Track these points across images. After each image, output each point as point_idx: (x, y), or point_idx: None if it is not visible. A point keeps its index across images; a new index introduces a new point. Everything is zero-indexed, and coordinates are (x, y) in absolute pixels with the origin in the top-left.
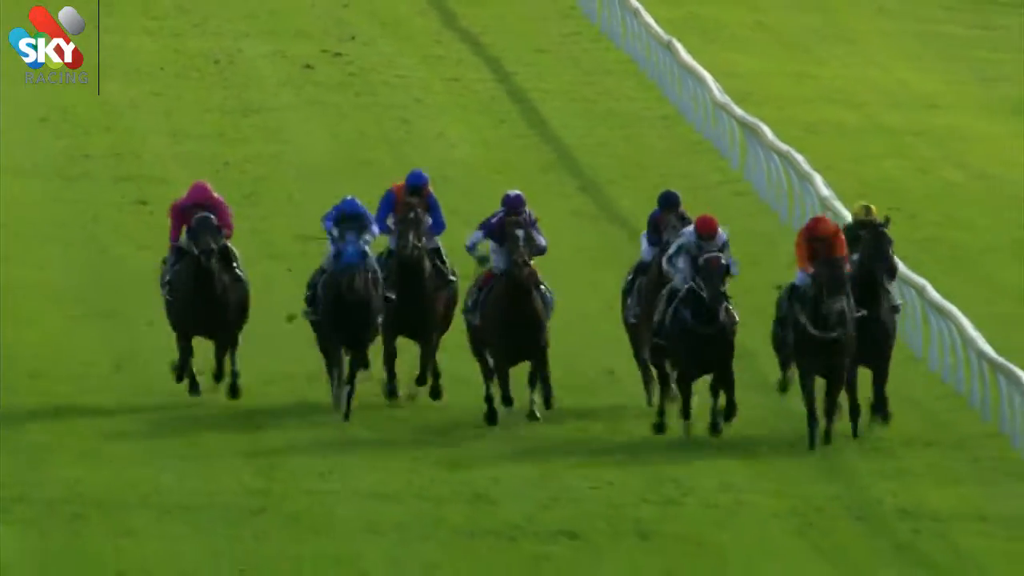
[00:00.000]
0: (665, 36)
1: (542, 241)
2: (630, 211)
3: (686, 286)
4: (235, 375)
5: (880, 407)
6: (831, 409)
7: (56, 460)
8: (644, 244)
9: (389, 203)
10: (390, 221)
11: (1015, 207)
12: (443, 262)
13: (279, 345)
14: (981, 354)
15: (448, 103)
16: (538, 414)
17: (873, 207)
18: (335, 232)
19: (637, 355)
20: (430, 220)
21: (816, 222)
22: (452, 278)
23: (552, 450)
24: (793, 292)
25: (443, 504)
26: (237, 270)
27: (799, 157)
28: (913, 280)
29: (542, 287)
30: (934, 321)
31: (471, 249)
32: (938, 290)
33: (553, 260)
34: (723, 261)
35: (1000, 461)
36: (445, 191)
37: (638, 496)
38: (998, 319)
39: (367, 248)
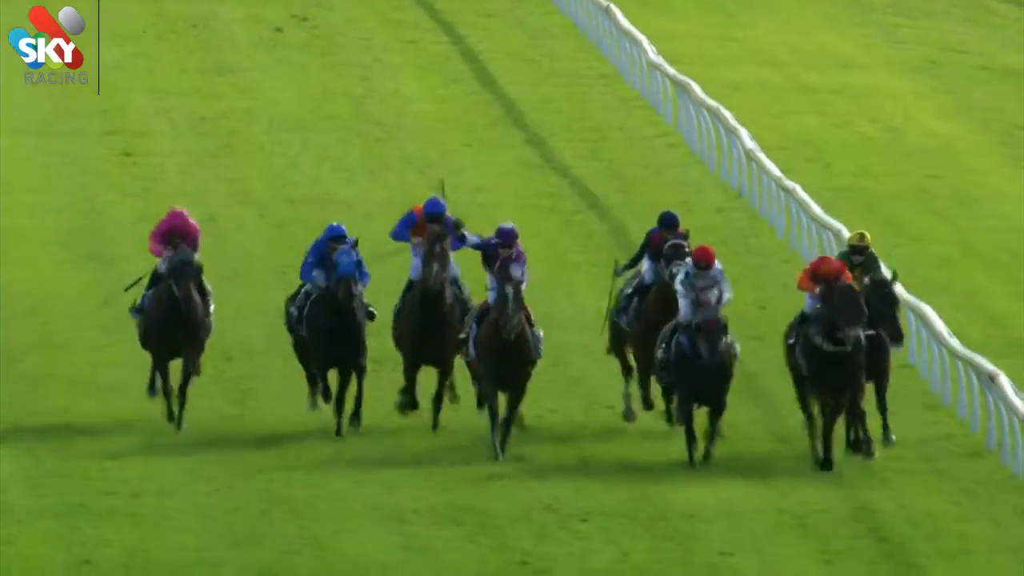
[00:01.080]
0: (604, 2)
1: (520, 273)
2: (572, 161)
3: (686, 322)
4: (182, 404)
5: (883, 421)
6: (856, 417)
7: (48, 390)
8: (646, 264)
9: (409, 222)
10: (415, 241)
11: (919, 157)
12: (461, 289)
13: (247, 281)
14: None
15: (405, 63)
16: (500, 456)
17: (867, 235)
18: (318, 273)
19: (615, 349)
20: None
21: (821, 262)
22: (470, 306)
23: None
24: (803, 320)
25: (402, 431)
26: (207, 298)
27: (726, 113)
28: (831, 224)
29: (533, 328)
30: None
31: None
32: None
33: (501, 206)
34: (722, 323)
35: (908, 390)
36: (402, 141)
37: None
38: (904, 260)
39: (360, 258)
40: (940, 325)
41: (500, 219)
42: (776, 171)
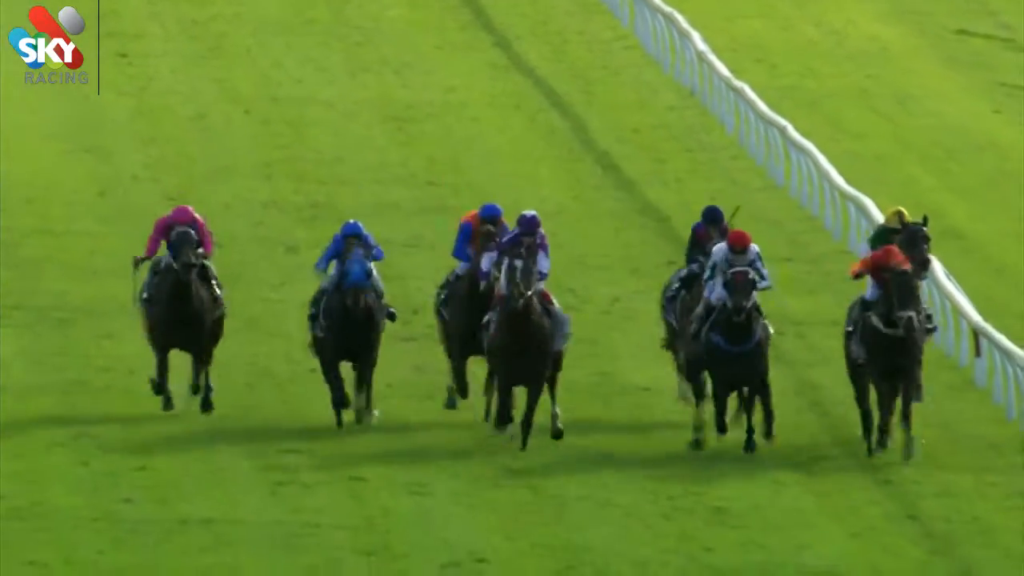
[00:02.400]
0: None
1: (544, 266)
2: (536, 63)
3: (719, 304)
4: (208, 389)
5: (906, 414)
6: (906, 414)
7: (48, 273)
8: (684, 270)
9: (466, 235)
10: (469, 251)
11: (859, 59)
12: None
13: (234, 174)
14: (834, 185)
15: None
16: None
17: (905, 211)
18: (335, 268)
19: (671, 346)
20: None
21: (887, 255)
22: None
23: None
24: (863, 306)
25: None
26: (216, 288)
27: (679, 17)
28: (776, 121)
29: (552, 308)
30: (794, 156)
31: (486, 276)
32: (797, 130)
33: (470, 104)
34: (750, 276)
35: (838, 271)
36: (379, 44)
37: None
38: (844, 155)
39: (371, 266)
40: (878, 215)
41: (470, 116)
42: (725, 72)
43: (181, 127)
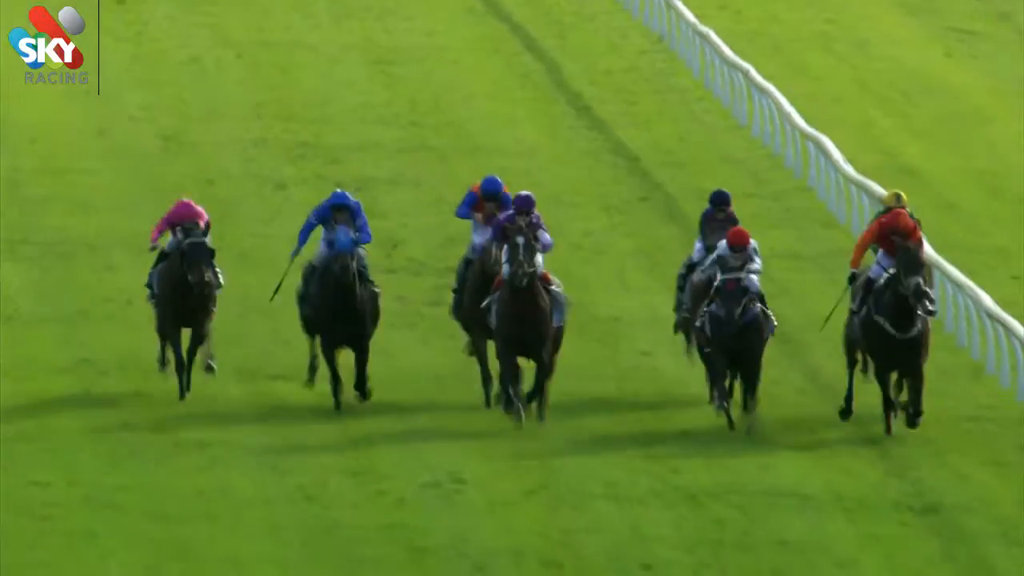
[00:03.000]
0: None
1: (547, 239)
2: (512, 8)
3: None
4: (210, 358)
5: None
6: (916, 405)
7: (52, 209)
8: (697, 244)
9: (471, 201)
10: (477, 218)
11: (820, 3)
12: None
13: (225, 116)
14: (795, 125)
15: None
16: (526, 416)
17: (903, 195)
18: (323, 241)
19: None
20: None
21: (896, 217)
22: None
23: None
24: (868, 286)
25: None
26: (217, 274)
27: None
28: (740, 64)
29: (553, 287)
30: (757, 97)
31: (477, 251)
32: (760, 73)
33: (450, 48)
34: (742, 284)
35: (808, 210)
36: None
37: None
38: (804, 97)
39: (357, 237)
40: (836, 154)
41: (450, 59)
42: (692, 18)
43: (176, 70)
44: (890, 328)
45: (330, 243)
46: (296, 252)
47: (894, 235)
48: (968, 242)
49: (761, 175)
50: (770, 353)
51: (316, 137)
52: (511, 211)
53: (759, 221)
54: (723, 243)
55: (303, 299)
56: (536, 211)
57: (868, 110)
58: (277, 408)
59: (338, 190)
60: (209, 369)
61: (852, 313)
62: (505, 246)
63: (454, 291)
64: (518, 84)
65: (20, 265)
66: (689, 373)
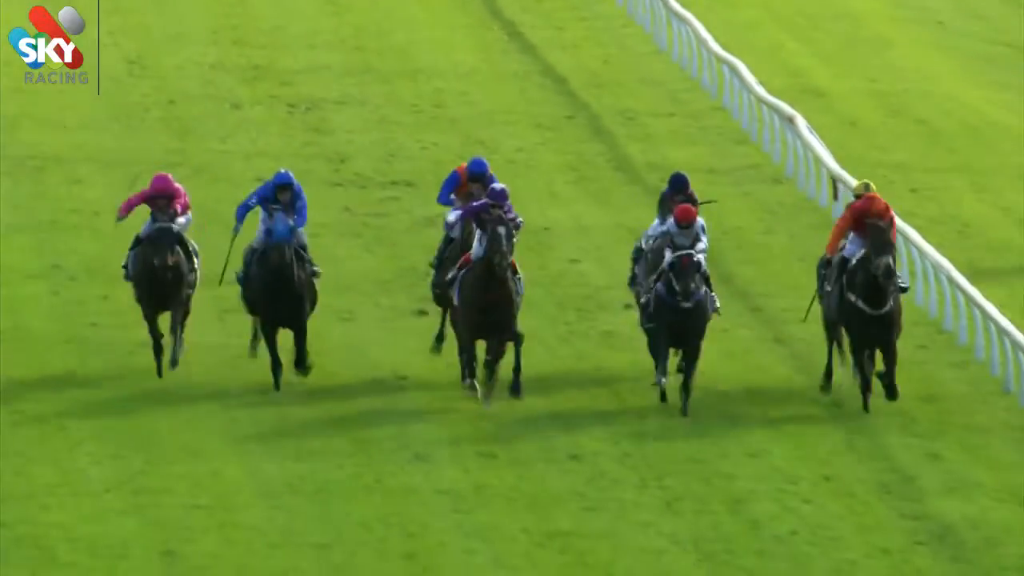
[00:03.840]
0: None
1: (519, 219)
2: None
3: (668, 272)
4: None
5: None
6: (890, 381)
7: (23, 126)
8: (655, 222)
9: (453, 182)
10: (452, 197)
11: None
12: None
13: (187, 41)
14: (711, 50)
15: None
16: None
17: (872, 184)
18: (262, 222)
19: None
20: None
21: (870, 202)
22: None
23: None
24: (843, 265)
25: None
26: (192, 257)
27: None
28: None
29: (518, 275)
30: (676, 24)
31: (451, 228)
32: (678, 1)
33: (429, 24)
34: (695, 258)
35: (722, 128)
36: None
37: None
38: (719, 23)
39: (294, 223)
40: (749, 76)
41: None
42: None
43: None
44: (863, 305)
45: (269, 231)
46: (236, 230)
47: (866, 218)
48: (870, 157)
49: (679, 96)
50: None
51: (269, 61)
52: (485, 200)
53: (678, 139)
54: (670, 220)
55: (243, 281)
56: (509, 202)
57: (777, 35)
58: (235, 312)
59: (282, 170)
60: (174, 364)
61: (827, 293)
62: (479, 232)
63: (432, 266)
64: (456, 11)
65: None
66: (613, 279)
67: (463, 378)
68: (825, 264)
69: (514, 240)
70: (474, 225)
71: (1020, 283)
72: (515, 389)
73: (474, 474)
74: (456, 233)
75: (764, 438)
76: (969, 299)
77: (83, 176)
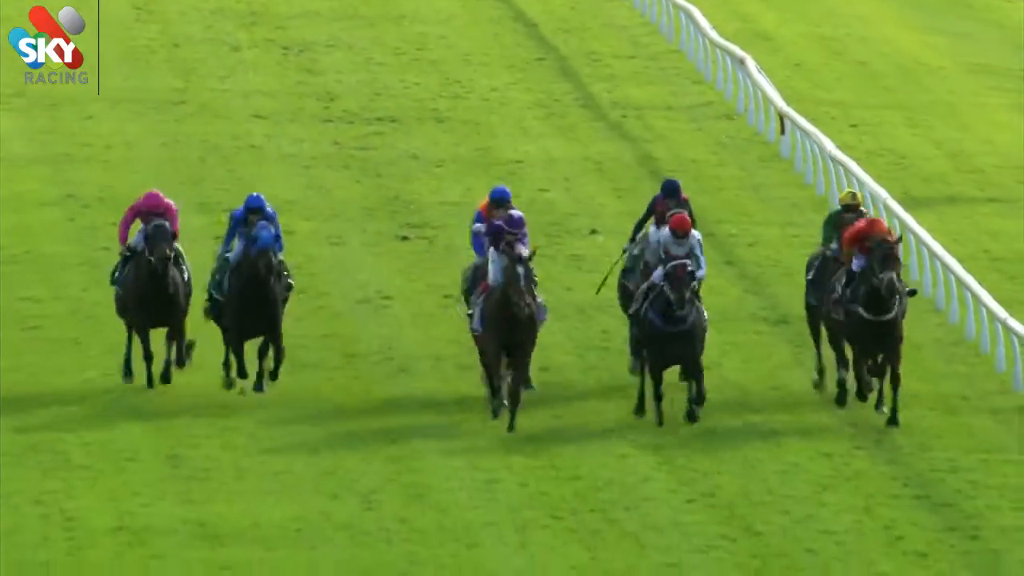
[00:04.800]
0: None
1: (527, 251)
2: None
3: (658, 285)
4: (183, 353)
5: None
6: (895, 384)
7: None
8: (652, 228)
9: (478, 221)
10: (474, 240)
11: None
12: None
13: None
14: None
15: None
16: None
17: (858, 194)
18: (238, 244)
19: (624, 308)
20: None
21: (871, 224)
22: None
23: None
24: (848, 277)
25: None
26: (184, 269)
27: None
28: None
29: (538, 299)
30: None
31: (478, 250)
32: None
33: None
34: (689, 268)
35: (679, 69)
36: None
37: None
38: None
39: (276, 230)
40: (703, 21)
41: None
42: None
43: None
44: (866, 313)
45: (251, 240)
46: (224, 250)
47: (869, 240)
48: (814, 96)
49: (640, 40)
50: (645, 186)
51: (265, 7)
52: (501, 224)
53: (638, 79)
54: (665, 229)
55: (215, 292)
56: (525, 229)
57: None
58: None
59: (254, 194)
60: (181, 364)
61: (834, 303)
62: (493, 252)
63: (465, 293)
64: None
65: (12, 114)
66: (579, 207)
67: (490, 399)
68: (819, 265)
69: (532, 275)
70: (489, 246)
71: (950, 210)
72: (513, 398)
73: (452, 385)
74: (479, 260)
75: (717, 353)
76: (903, 225)
77: (94, 112)
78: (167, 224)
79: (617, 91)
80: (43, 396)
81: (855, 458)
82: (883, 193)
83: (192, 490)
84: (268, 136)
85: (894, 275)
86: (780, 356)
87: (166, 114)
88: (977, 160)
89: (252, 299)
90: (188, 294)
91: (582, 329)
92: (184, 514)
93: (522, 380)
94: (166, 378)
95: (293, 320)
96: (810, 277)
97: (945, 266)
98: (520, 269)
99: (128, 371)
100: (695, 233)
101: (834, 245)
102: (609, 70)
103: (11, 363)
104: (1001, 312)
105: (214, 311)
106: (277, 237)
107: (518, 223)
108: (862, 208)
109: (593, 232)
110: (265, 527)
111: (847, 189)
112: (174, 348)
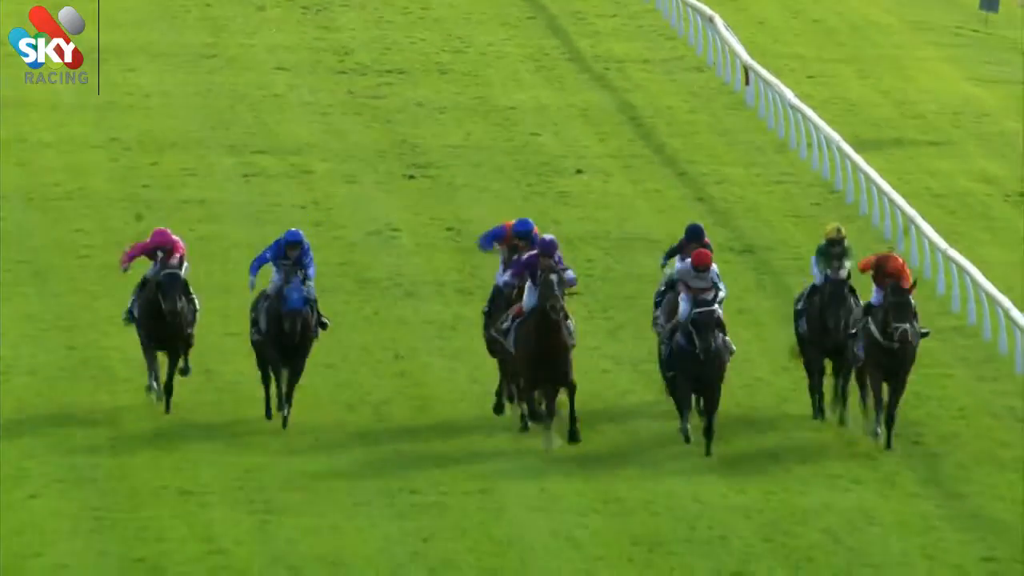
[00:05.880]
0: None
1: (571, 275)
2: None
3: (684, 321)
4: (187, 370)
5: (891, 415)
6: (891, 416)
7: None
8: (677, 263)
9: (499, 234)
10: (498, 249)
11: None
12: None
13: None
14: None
15: None
16: (577, 429)
17: (842, 228)
18: (276, 273)
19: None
20: (570, 275)
21: (886, 260)
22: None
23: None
24: (868, 310)
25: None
26: (193, 299)
27: None
28: None
29: (569, 321)
30: None
31: (509, 287)
32: None
33: None
34: (716, 315)
35: (654, 27)
36: None
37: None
38: None
39: (309, 292)
40: None
41: None
42: None
43: None
44: (883, 340)
45: (284, 297)
46: (252, 284)
47: (887, 277)
48: (775, 50)
49: (620, 0)
50: (625, 132)
51: None
52: (534, 252)
53: (619, 35)
54: (687, 263)
55: (252, 327)
56: (559, 253)
57: None
58: (255, 174)
59: (292, 229)
60: (185, 371)
61: (852, 335)
62: (529, 281)
63: (485, 313)
64: None
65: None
66: (566, 149)
67: (525, 421)
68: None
69: (566, 290)
70: (527, 277)
71: (896, 152)
72: (572, 435)
73: (453, 307)
74: (508, 282)
75: None
76: (855, 166)
77: (136, 65)
78: (179, 273)
79: (600, 46)
80: (93, 316)
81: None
82: (836, 136)
83: (223, 401)
84: (290, 86)
85: (907, 327)
86: (745, 281)
87: (199, 66)
88: (919, 107)
89: (280, 349)
90: (193, 321)
91: (567, 259)
92: (216, 422)
93: (554, 404)
94: (169, 389)
95: (313, 250)
96: (799, 307)
97: (891, 202)
98: (553, 277)
99: (150, 387)
100: (714, 266)
101: (815, 273)
102: (593, 27)
103: (63, 287)
104: (942, 243)
105: (255, 343)
106: (308, 289)
107: (550, 245)
108: (846, 242)
109: (578, 171)
110: (287, 435)
111: (832, 224)
112: (180, 359)
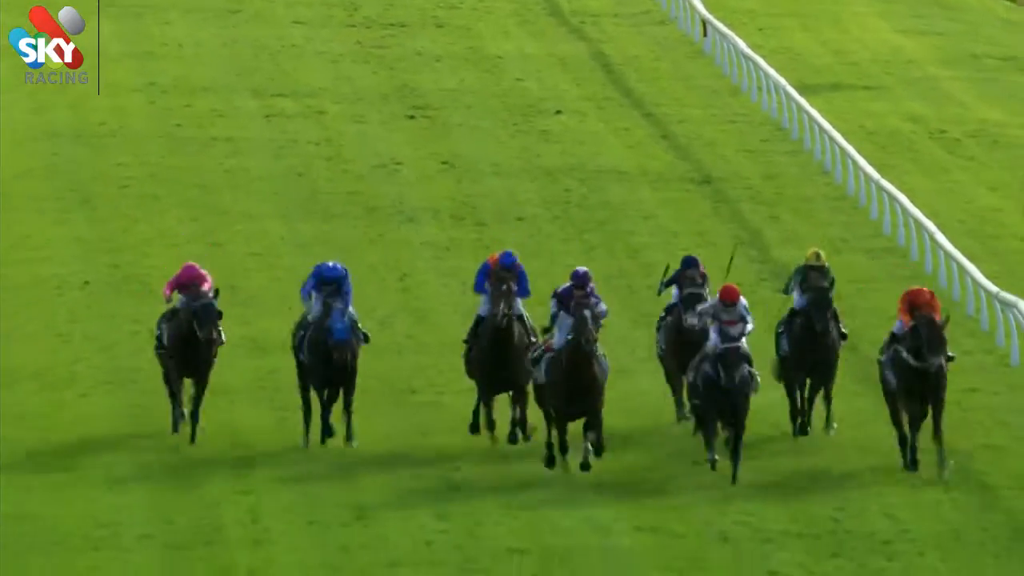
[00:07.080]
0: None
1: (603, 308)
2: None
3: (712, 353)
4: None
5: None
6: (937, 437)
7: None
8: (675, 291)
9: (484, 271)
10: (487, 286)
11: None
12: (526, 325)
13: None
14: None
15: None
16: (590, 461)
17: (822, 252)
18: (315, 301)
19: (667, 378)
20: (516, 288)
21: (916, 294)
22: (533, 339)
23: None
24: (892, 339)
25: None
26: (220, 331)
27: None
28: None
29: (600, 354)
30: None
31: (554, 319)
32: None
33: None
34: (742, 351)
35: (645, 11)
36: None
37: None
38: None
39: (350, 320)
40: None
41: None
42: None
43: None
44: (913, 361)
45: (328, 329)
46: (308, 309)
47: (916, 309)
48: (729, 4)
49: None
50: (604, 87)
51: None
52: (569, 284)
53: (617, 24)
54: (716, 298)
55: (296, 355)
56: (592, 284)
57: None
58: (276, 115)
59: (330, 262)
60: (195, 415)
61: (880, 364)
62: (562, 314)
63: (466, 343)
64: None
65: (108, 21)
66: (547, 92)
67: (554, 452)
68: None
69: (599, 325)
70: (559, 311)
71: (836, 96)
72: (584, 466)
73: (448, 231)
74: (552, 310)
75: (654, 205)
76: (799, 107)
77: (171, 19)
78: (214, 304)
79: (577, 2)
80: (131, 239)
81: (760, 288)
82: (783, 81)
83: (247, 314)
84: (306, 38)
85: (943, 359)
86: (702, 208)
87: (226, 20)
88: (854, 56)
89: (325, 379)
90: (215, 352)
91: (550, 188)
92: (240, 331)
93: (599, 433)
94: (195, 416)
95: (324, 181)
96: (780, 330)
97: (831, 139)
98: (587, 313)
99: (176, 425)
100: (742, 299)
101: (795, 296)
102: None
103: (110, 213)
104: (874, 174)
105: (299, 366)
106: (351, 318)
107: (584, 278)
108: (826, 266)
109: (558, 112)
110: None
111: (813, 249)
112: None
